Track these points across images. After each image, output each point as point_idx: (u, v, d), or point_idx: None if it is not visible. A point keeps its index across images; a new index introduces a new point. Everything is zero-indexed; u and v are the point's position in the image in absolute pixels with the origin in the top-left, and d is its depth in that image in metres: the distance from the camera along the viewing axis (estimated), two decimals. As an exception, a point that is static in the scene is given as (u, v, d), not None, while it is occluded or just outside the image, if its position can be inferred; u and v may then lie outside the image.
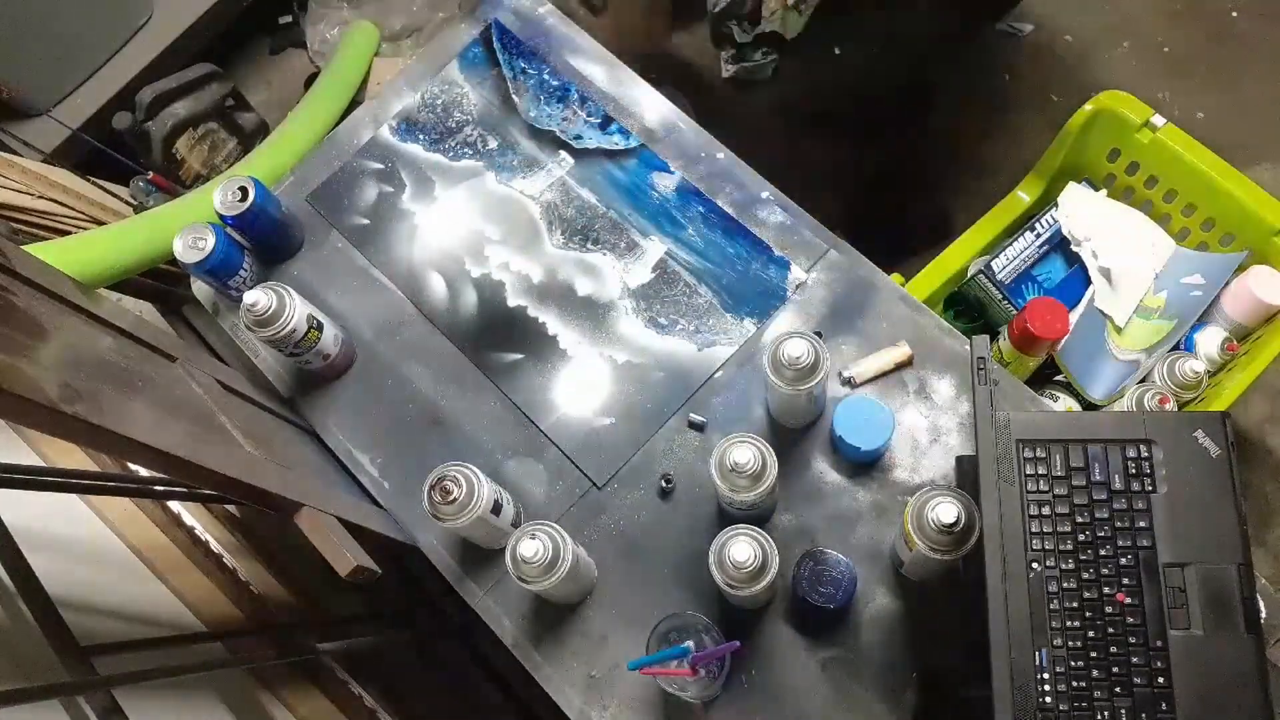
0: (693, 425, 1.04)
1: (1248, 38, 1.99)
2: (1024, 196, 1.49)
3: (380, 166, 1.22)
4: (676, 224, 1.13)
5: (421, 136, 1.22)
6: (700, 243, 1.12)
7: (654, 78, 1.24)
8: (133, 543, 1.03)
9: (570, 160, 1.18)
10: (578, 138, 1.19)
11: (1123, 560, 0.78)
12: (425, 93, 1.25)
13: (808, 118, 2.04)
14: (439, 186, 1.20)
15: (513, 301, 1.13)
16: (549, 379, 1.08)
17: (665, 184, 1.15)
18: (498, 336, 1.11)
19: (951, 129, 1.96)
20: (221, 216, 1.07)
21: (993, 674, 0.76)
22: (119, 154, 1.76)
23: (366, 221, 1.19)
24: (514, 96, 1.23)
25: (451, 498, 0.87)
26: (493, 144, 1.21)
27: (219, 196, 1.06)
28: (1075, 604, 0.77)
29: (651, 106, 1.20)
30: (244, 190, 1.06)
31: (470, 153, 1.21)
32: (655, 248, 1.12)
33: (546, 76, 1.23)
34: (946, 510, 0.80)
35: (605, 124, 1.19)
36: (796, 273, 1.09)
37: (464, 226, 1.17)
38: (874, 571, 0.95)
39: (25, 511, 0.81)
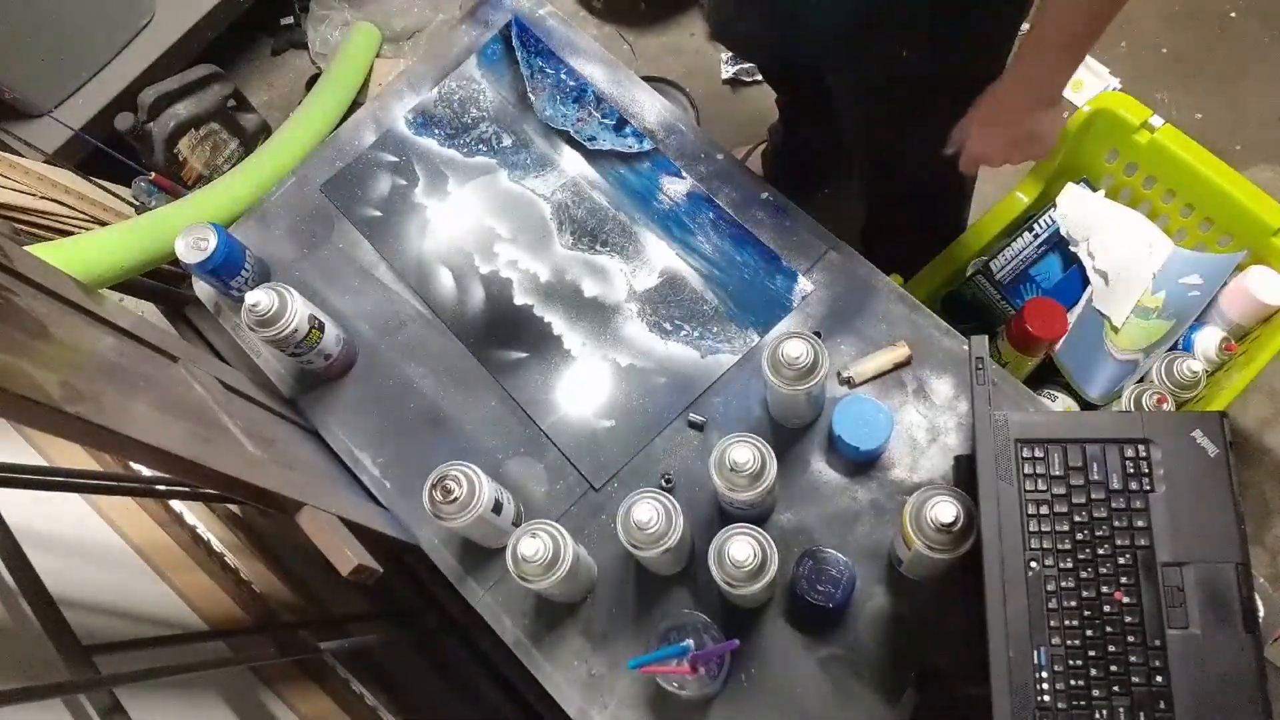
0: (692, 425, 1.04)
1: (1246, 39, 1.99)
2: (1022, 197, 1.49)
3: (394, 159, 1.22)
4: (686, 229, 1.13)
5: (437, 131, 1.23)
6: (709, 249, 1.12)
7: (654, 78, 1.24)
8: (135, 542, 1.03)
9: (583, 161, 1.18)
10: (591, 139, 1.19)
11: (1121, 559, 0.78)
12: (443, 87, 1.25)
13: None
14: (452, 182, 1.20)
15: (519, 300, 1.13)
16: (552, 379, 1.09)
17: (677, 189, 1.15)
18: (503, 334, 1.12)
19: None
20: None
21: (991, 673, 0.76)
22: (121, 155, 1.76)
23: (379, 213, 1.19)
24: (530, 95, 1.23)
25: (452, 497, 0.87)
26: (507, 141, 1.21)
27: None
28: (1074, 603, 0.78)
29: (651, 107, 1.20)
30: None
31: (484, 149, 1.21)
32: (664, 252, 1.13)
33: (564, 76, 1.22)
34: (945, 509, 0.80)
35: (619, 126, 1.19)
36: (804, 284, 1.08)
37: (475, 223, 1.17)
38: (873, 570, 0.95)
39: (27, 511, 0.82)
